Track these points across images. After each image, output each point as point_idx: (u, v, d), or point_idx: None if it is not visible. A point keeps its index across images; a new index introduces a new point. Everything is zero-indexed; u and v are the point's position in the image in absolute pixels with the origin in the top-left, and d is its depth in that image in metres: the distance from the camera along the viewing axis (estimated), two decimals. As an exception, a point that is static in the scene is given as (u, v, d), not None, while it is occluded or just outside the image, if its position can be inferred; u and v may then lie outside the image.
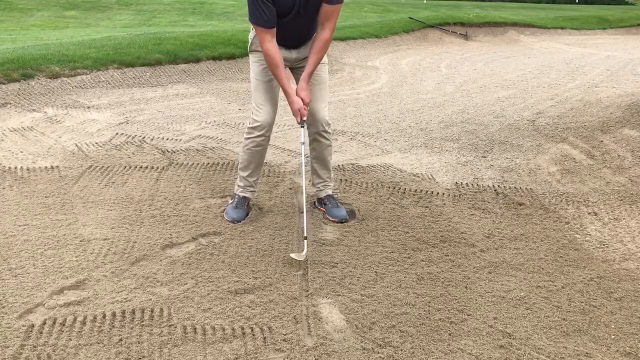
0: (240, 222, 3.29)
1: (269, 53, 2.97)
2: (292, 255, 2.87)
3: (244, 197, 3.41)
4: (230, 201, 3.46)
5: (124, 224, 3.23)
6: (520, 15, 19.72)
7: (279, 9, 2.91)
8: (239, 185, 3.44)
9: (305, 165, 3.43)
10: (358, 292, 2.65)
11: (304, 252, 2.89)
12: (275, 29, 2.96)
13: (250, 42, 3.23)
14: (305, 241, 2.97)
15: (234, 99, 6.55)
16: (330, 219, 3.38)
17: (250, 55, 3.27)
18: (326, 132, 3.32)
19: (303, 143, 3.27)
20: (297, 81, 3.28)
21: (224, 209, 3.42)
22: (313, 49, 3.08)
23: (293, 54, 3.21)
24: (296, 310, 2.48)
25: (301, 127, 3.21)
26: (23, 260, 2.77)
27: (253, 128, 3.23)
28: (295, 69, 3.30)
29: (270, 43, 2.96)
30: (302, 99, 3.08)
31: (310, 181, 3.61)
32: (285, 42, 3.11)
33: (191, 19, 16.59)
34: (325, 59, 3.27)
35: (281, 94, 3.22)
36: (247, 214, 3.37)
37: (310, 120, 3.27)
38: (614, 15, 21.63)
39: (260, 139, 3.26)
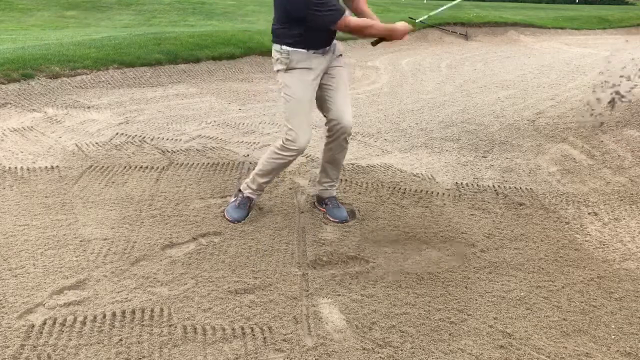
0: (240, 222, 3.29)
1: (360, 24, 2.91)
2: None
3: (249, 197, 3.38)
4: (233, 199, 3.42)
5: (124, 224, 3.23)
6: (520, 15, 19.71)
7: None
8: (250, 187, 3.35)
9: (300, 156, 3.32)
10: (358, 292, 2.65)
11: None
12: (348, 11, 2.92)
13: (283, 60, 3.01)
14: None
15: (234, 99, 6.55)
16: (331, 219, 3.37)
17: (286, 74, 3.04)
18: (349, 135, 3.24)
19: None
20: (324, 95, 3.16)
21: (225, 208, 3.41)
22: (368, 14, 3.07)
23: (325, 62, 3.08)
24: (296, 310, 2.48)
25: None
26: (23, 260, 2.77)
27: (290, 149, 3.10)
28: (324, 77, 3.16)
29: (351, 17, 2.91)
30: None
31: (310, 181, 3.60)
32: (321, 41, 3.02)
33: (191, 19, 16.58)
34: (343, 62, 3.22)
35: None
36: (248, 214, 3.36)
37: (335, 122, 3.15)
38: (614, 15, 21.62)
39: (293, 158, 3.18)
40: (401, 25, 3.00)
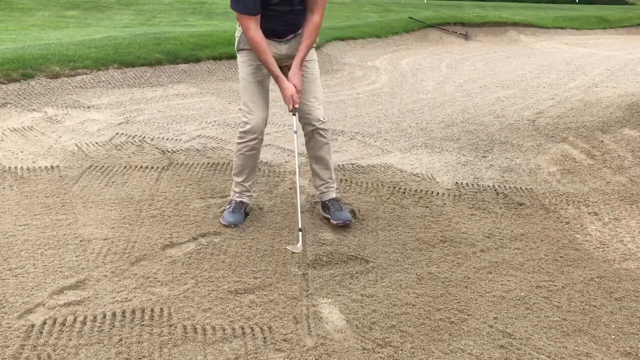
0: (237, 225, 3.23)
1: (255, 40, 2.91)
2: (289, 247, 2.88)
3: (241, 202, 3.34)
4: (227, 206, 3.35)
5: (124, 224, 3.23)
6: (520, 15, 19.72)
7: None
8: (234, 191, 3.35)
9: (300, 156, 3.34)
10: (358, 292, 2.64)
11: (299, 244, 2.91)
12: (259, 17, 2.90)
13: (237, 40, 3.13)
14: (301, 233, 2.96)
15: (234, 99, 6.55)
16: (334, 223, 3.28)
17: (238, 54, 3.17)
18: (322, 129, 3.22)
19: (295, 132, 3.18)
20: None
21: (222, 213, 3.36)
22: (304, 34, 3.02)
23: (283, 49, 3.10)
24: (296, 310, 2.49)
25: (293, 115, 3.14)
26: (23, 260, 2.77)
27: (245, 132, 3.15)
28: (285, 67, 3.17)
29: (255, 30, 2.90)
30: (294, 85, 3.00)
31: (310, 181, 3.59)
32: (274, 32, 3.03)
33: (191, 19, 16.58)
34: (314, 56, 3.21)
35: (273, 95, 3.16)
36: (245, 218, 3.31)
37: (304, 119, 3.20)
38: (614, 15, 21.62)
39: (254, 143, 3.18)
40: (289, 90, 2.99)
